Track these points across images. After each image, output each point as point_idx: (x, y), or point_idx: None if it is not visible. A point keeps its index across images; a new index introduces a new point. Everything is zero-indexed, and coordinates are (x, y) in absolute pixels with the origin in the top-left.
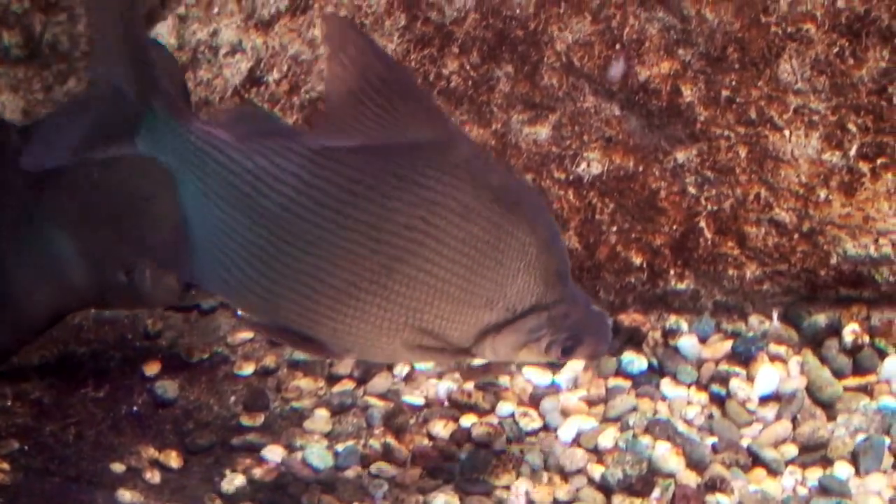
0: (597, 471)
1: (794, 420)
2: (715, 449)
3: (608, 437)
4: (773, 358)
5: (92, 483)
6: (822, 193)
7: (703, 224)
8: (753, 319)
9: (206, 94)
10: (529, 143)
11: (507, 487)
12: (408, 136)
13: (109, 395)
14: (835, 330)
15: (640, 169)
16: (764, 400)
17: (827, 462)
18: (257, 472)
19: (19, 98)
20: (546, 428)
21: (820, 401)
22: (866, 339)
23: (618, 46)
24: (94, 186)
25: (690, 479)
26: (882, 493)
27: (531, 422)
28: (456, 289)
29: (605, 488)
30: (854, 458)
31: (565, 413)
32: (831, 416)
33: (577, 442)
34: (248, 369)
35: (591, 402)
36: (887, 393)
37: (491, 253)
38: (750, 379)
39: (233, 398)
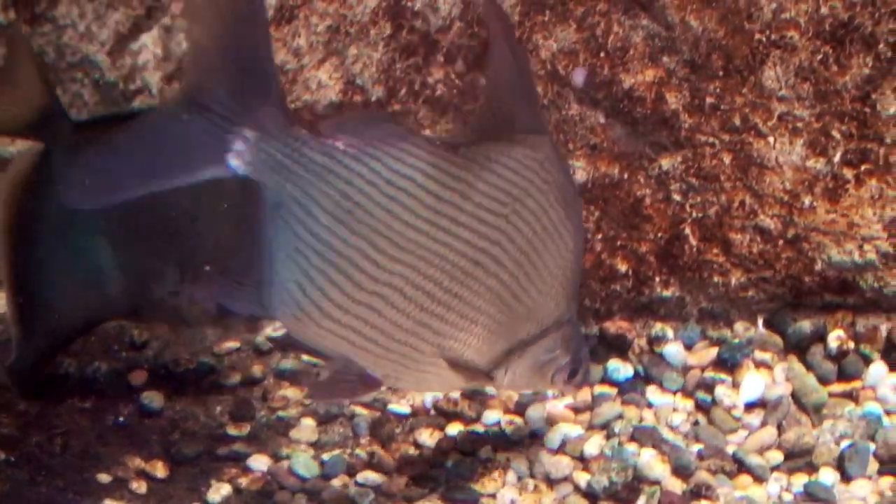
0: (582, 478)
1: (779, 426)
2: (700, 456)
3: (594, 445)
4: (759, 364)
5: (78, 493)
6: (807, 200)
7: (688, 231)
8: (739, 326)
9: None
10: None
11: (493, 495)
12: (508, 123)
13: (96, 406)
14: (820, 336)
15: (625, 176)
16: (749, 406)
17: (812, 468)
18: (243, 482)
19: None
20: (532, 436)
21: (805, 407)
22: (851, 345)
23: (602, 54)
24: (135, 203)
25: (676, 485)
26: (867, 499)
27: (517, 430)
28: (511, 295)
29: (590, 496)
30: (839, 464)
31: (551, 421)
32: (817, 423)
33: (562, 450)
34: (234, 379)
35: (577, 410)
36: (872, 399)
37: (546, 257)
38: (735, 386)
39: (219, 408)
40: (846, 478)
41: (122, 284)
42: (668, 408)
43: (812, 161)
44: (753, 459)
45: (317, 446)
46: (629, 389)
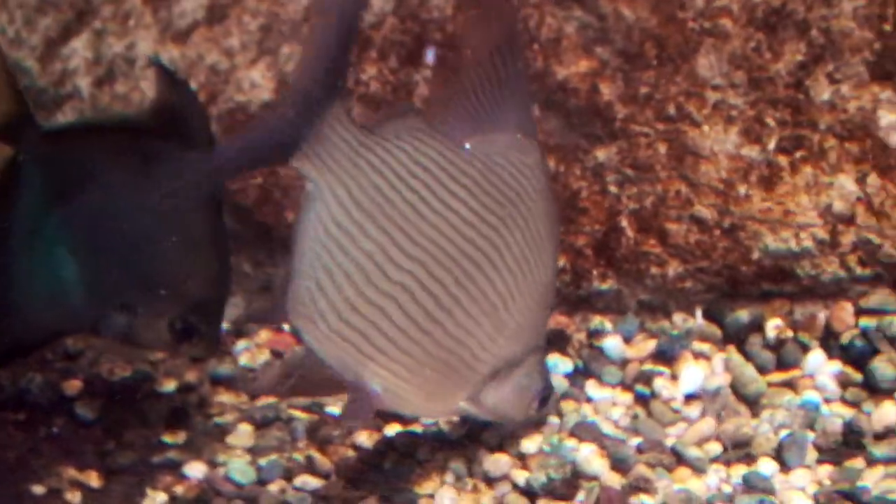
0: (521, 476)
1: (718, 417)
2: (639, 449)
3: (532, 442)
4: (697, 356)
5: None
6: (742, 189)
7: (624, 223)
8: (677, 317)
9: (123, 108)
10: None
11: (432, 496)
12: (500, 119)
13: (29, 417)
14: (758, 325)
15: (561, 169)
16: (689, 398)
17: (751, 459)
18: (179, 490)
19: None
20: (470, 435)
21: (744, 397)
22: (789, 333)
23: (536, 46)
24: (105, 217)
25: (614, 480)
26: (806, 488)
27: (454, 429)
28: (504, 307)
29: (529, 493)
30: (778, 454)
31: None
32: (755, 413)
33: (501, 448)
34: (169, 386)
35: None
36: (811, 387)
37: (533, 271)
38: (674, 378)
39: (154, 416)
40: (785, 468)
41: (84, 299)
42: (608, 402)
43: (747, 149)
44: (692, 452)
45: (254, 452)
46: (569, 384)
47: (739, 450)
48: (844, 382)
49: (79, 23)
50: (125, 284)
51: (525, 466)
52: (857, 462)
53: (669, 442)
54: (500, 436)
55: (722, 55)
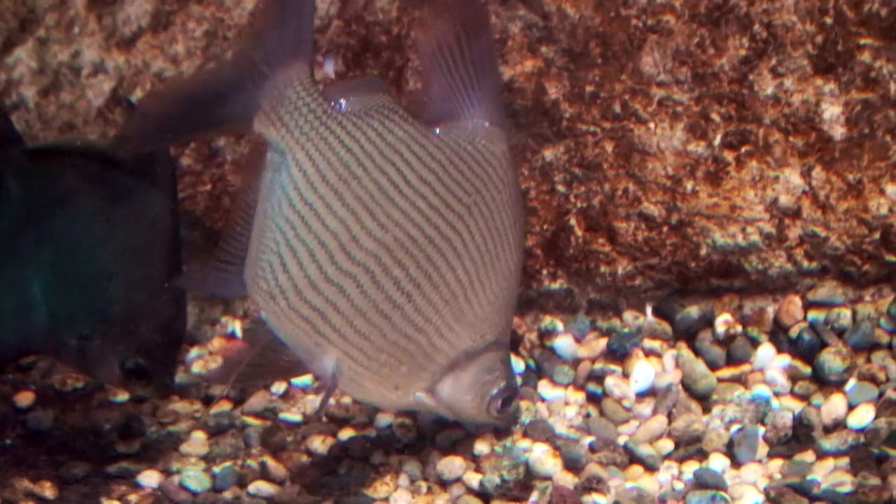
0: (474, 478)
1: (669, 415)
2: (592, 448)
3: (485, 443)
4: (648, 353)
5: None
6: (689, 185)
7: (573, 222)
8: (627, 315)
9: (70, 118)
10: None
11: (386, 500)
12: (469, 107)
13: None
14: (708, 321)
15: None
16: (640, 396)
17: (703, 455)
18: (133, 499)
19: None
20: (423, 437)
21: (695, 394)
22: (739, 328)
23: None
24: (70, 245)
25: (567, 480)
26: (758, 483)
27: (408, 432)
28: (463, 296)
29: (483, 495)
30: (729, 450)
31: (442, 422)
32: (706, 409)
33: (454, 450)
34: (123, 395)
35: None
36: (761, 382)
37: (496, 263)
38: (626, 376)
39: (108, 425)
40: (736, 463)
41: (45, 322)
42: (561, 401)
43: (693, 145)
44: (644, 449)
45: (208, 459)
46: (521, 384)
47: (691, 446)
48: (794, 376)
49: (22, 31)
50: (81, 315)
51: (478, 468)
52: (807, 455)
53: (622, 440)
54: (453, 438)
55: (666, 52)
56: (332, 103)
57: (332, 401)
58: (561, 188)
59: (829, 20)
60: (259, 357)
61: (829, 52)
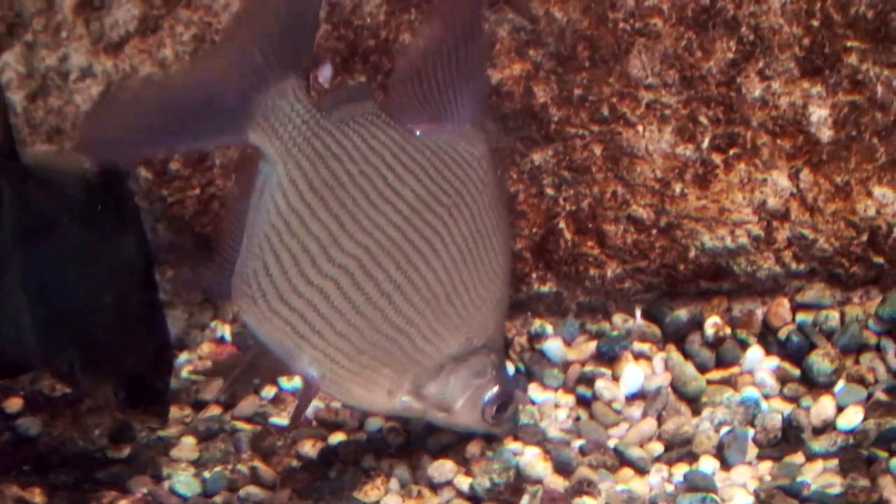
0: (465, 482)
1: (659, 417)
2: (582, 451)
3: (475, 447)
4: (638, 356)
5: None
6: (678, 187)
7: (562, 225)
8: (617, 318)
9: (58, 123)
10: None
11: (377, 503)
12: (453, 110)
13: None
14: (697, 324)
15: (498, 173)
16: (630, 399)
17: (693, 457)
18: None
19: None
20: (413, 441)
21: (685, 396)
22: (728, 331)
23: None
24: (56, 270)
25: (558, 483)
26: (747, 485)
27: (398, 436)
28: (445, 297)
29: (474, 498)
30: (719, 452)
31: (433, 426)
32: (696, 411)
33: (445, 453)
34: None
35: None
36: (750, 384)
37: (479, 265)
38: (615, 379)
39: (97, 431)
40: (726, 465)
41: (34, 343)
42: (551, 404)
43: (681, 148)
44: (634, 452)
45: (198, 464)
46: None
47: (681, 449)
48: (783, 378)
49: (9, 36)
50: (69, 341)
51: (469, 472)
52: (797, 457)
53: (612, 443)
54: (444, 442)
55: (654, 55)
56: (323, 113)
57: (321, 405)
58: (550, 191)
59: (815, 23)
60: (251, 359)
61: (817, 54)
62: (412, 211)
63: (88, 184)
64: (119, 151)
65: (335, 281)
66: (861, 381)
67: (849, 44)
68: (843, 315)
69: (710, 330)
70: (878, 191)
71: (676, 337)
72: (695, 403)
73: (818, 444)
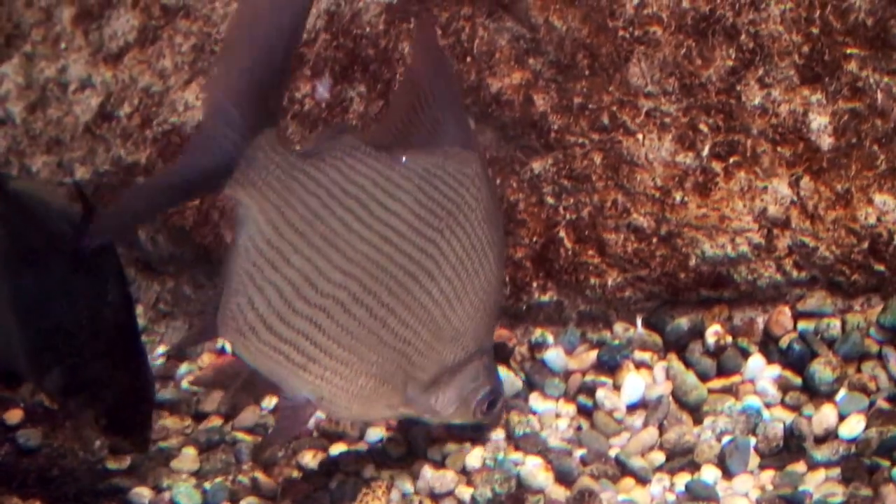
0: (466, 492)
1: (660, 426)
2: (584, 461)
3: (476, 457)
4: (639, 365)
5: None
6: (678, 196)
7: (562, 234)
8: (618, 327)
9: (57, 134)
10: None
11: None
12: (439, 133)
13: None
14: (698, 332)
15: (498, 181)
16: (631, 408)
17: (694, 467)
18: None
19: None
20: (414, 451)
21: (686, 405)
22: (729, 339)
23: (469, 59)
24: (32, 298)
25: (559, 493)
26: (749, 494)
27: (399, 447)
28: (441, 315)
29: None
30: (721, 461)
31: (433, 436)
32: (697, 420)
33: (445, 464)
34: None
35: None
36: (752, 393)
37: (473, 279)
38: (616, 388)
39: (98, 442)
40: (728, 474)
41: (24, 359)
42: (552, 414)
43: (681, 156)
44: (636, 462)
45: (199, 475)
46: (513, 397)
47: (682, 458)
48: (784, 386)
49: (8, 47)
50: (49, 364)
51: (470, 482)
52: (799, 466)
53: (613, 452)
54: (444, 452)
55: (653, 63)
56: (299, 155)
57: (322, 415)
58: (550, 200)
59: (815, 30)
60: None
61: (816, 61)
62: (401, 236)
63: (68, 217)
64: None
65: (325, 310)
66: (863, 389)
67: (848, 51)
68: (844, 323)
69: (711, 338)
70: (878, 198)
71: (677, 345)
72: (696, 412)
73: (820, 453)
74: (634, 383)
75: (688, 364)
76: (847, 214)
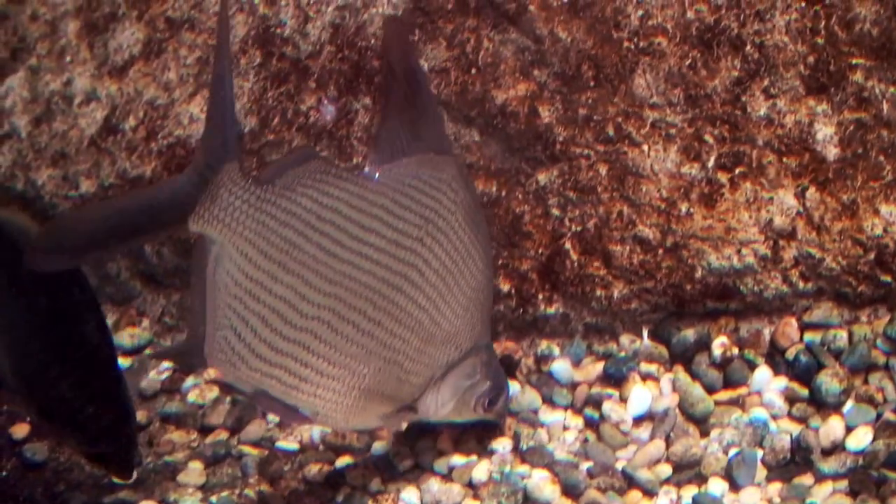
0: None
1: (667, 439)
2: (590, 474)
3: (482, 470)
4: (645, 377)
5: None
6: (684, 207)
7: (568, 246)
8: (624, 339)
9: (62, 147)
10: None
11: None
12: (412, 142)
13: None
14: (704, 344)
15: (503, 193)
16: (637, 420)
17: (701, 479)
18: None
19: None
20: (421, 465)
21: (693, 417)
22: (735, 351)
23: (474, 71)
24: (18, 328)
25: None
26: None
27: (405, 459)
28: (430, 319)
29: None
30: (728, 474)
31: (440, 450)
32: (704, 432)
33: (451, 477)
34: None
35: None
36: (758, 405)
37: (459, 279)
38: (623, 400)
39: None
40: (735, 487)
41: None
42: (559, 426)
43: (687, 167)
44: (643, 474)
45: (205, 489)
46: (518, 410)
47: (689, 470)
48: (791, 398)
49: (14, 60)
50: (30, 392)
51: (477, 495)
52: (806, 479)
53: (620, 465)
54: (451, 464)
55: (658, 74)
56: (265, 187)
57: (328, 429)
58: (555, 212)
59: (820, 40)
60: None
61: (822, 72)
62: (380, 251)
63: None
64: (69, 259)
65: (312, 332)
66: (870, 401)
67: (854, 61)
68: (851, 334)
69: (717, 350)
70: (884, 209)
71: (684, 357)
72: (703, 424)
73: (827, 466)
74: (641, 395)
75: (694, 376)
76: (853, 225)
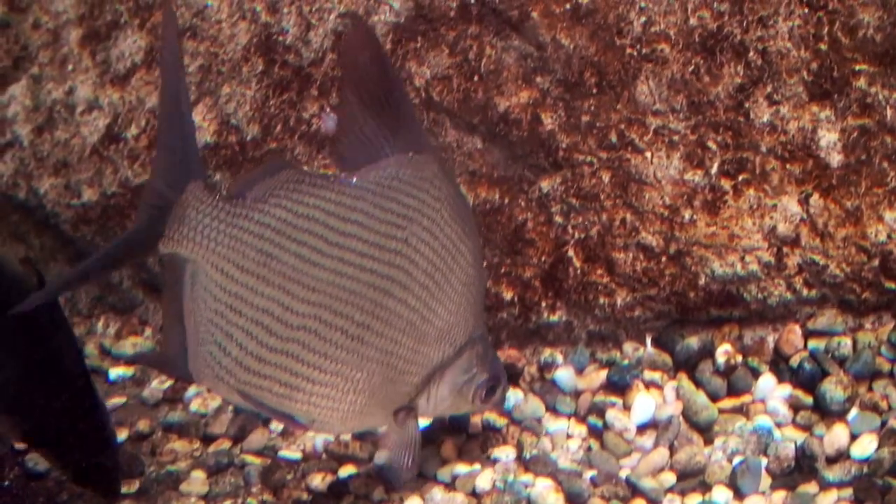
0: None
1: (671, 447)
2: (594, 482)
3: (485, 479)
4: (649, 385)
5: None
6: (687, 214)
7: (571, 253)
8: (627, 347)
9: (65, 156)
10: None
11: None
12: (390, 143)
13: None
14: (708, 352)
15: (506, 201)
16: (641, 428)
17: (705, 487)
18: None
19: None
20: (424, 473)
21: (696, 425)
22: (739, 358)
23: (476, 78)
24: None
25: None
26: None
27: (408, 467)
28: (421, 319)
29: None
30: (732, 482)
31: (444, 458)
32: (708, 440)
33: (455, 486)
34: (121, 435)
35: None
36: (762, 412)
37: (449, 275)
38: (626, 408)
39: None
40: (739, 495)
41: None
42: (562, 434)
43: (690, 174)
44: (646, 483)
45: (208, 498)
46: (522, 418)
47: (693, 479)
48: (795, 406)
49: (15, 69)
50: (17, 425)
51: None
52: (811, 487)
53: (624, 473)
54: (454, 473)
55: (661, 80)
56: (235, 202)
57: (331, 437)
58: (558, 219)
59: (823, 46)
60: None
61: (825, 78)
62: (363, 256)
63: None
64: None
65: (299, 341)
66: (874, 408)
67: (857, 67)
68: (855, 341)
69: (721, 358)
70: (888, 215)
71: (687, 365)
72: (707, 432)
73: (832, 474)
74: (644, 403)
75: (698, 384)
76: (857, 232)
